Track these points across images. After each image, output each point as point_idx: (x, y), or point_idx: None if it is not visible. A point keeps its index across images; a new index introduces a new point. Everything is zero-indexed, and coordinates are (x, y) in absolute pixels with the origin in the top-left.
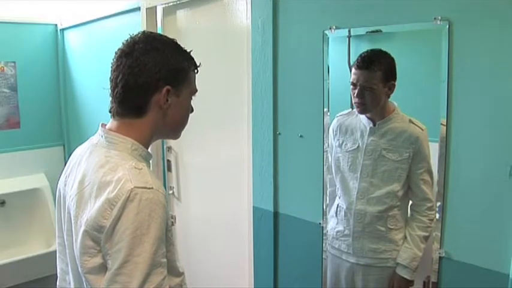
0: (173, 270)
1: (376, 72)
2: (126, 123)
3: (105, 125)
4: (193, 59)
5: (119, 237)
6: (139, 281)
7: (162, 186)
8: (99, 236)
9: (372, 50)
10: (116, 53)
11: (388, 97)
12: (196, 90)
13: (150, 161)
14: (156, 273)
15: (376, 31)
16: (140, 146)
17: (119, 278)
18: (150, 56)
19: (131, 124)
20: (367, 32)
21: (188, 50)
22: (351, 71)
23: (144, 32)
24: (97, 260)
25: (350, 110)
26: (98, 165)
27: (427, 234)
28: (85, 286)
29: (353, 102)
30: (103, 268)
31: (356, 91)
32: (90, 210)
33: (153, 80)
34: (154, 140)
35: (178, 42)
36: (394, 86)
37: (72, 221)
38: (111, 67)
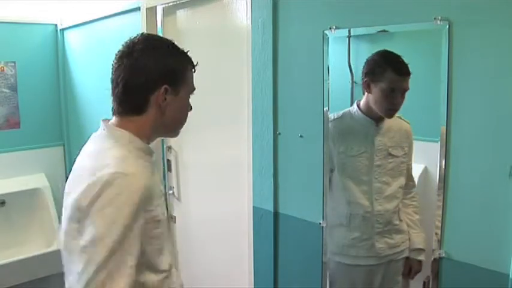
0: (152, 266)
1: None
2: (126, 119)
3: (107, 120)
4: (190, 58)
5: (92, 217)
6: (99, 262)
7: (149, 177)
8: (79, 216)
9: (392, 53)
10: (116, 54)
11: None
12: (194, 89)
13: (153, 156)
14: (120, 261)
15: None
16: (137, 140)
17: (83, 255)
18: (148, 56)
19: (131, 120)
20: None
21: (185, 50)
22: (351, 71)
23: (142, 33)
24: (77, 242)
25: (341, 112)
26: (92, 154)
27: (419, 216)
28: (69, 270)
29: (387, 108)
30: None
31: (397, 97)
32: (76, 193)
33: (152, 80)
34: (154, 137)
35: (176, 43)
36: None
37: (63, 206)
38: (112, 68)
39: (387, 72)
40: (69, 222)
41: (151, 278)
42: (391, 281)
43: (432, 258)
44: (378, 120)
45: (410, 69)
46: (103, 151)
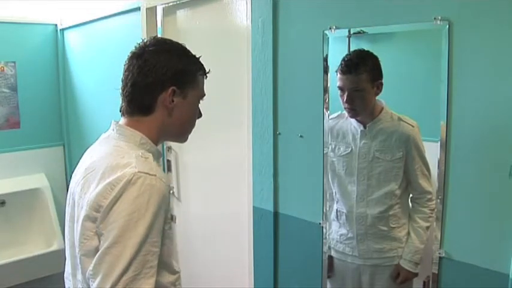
0: (167, 267)
1: (362, 74)
2: (134, 120)
3: (117, 122)
4: (202, 64)
5: (115, 217)
6: (125, 264)
7: (167, 178)
8: (97, 215)
9: (354, 52)
10: (128, 55)
11: (377, 96)
12: (204, 95)
13: (160, 160)
14: (143, 261)
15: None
16: (148, 141)
17: (106, 257)
18: (158, 57)
19: (139, 121)
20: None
21: (197, 56)
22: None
23: (155, 36)
24: (93, 243)
25: (339, 112)
26: (106, 153)
27: (429, 224)
28: (79, 270)
29: (343, 107)
30: (97, 252)
31: (345, 96)
32: (92, 192)
33: (160, 80)
34: (161, 140)
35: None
36: (381, 84)
37: (76, 205)
38: (123, 68)
39: (337, 72)
40: (84, 220)
41: (168, 278)
42: (384, 286)
43: (432, 258)
44: (367, 122)
45: (410, 69)
46: (118, 151)
